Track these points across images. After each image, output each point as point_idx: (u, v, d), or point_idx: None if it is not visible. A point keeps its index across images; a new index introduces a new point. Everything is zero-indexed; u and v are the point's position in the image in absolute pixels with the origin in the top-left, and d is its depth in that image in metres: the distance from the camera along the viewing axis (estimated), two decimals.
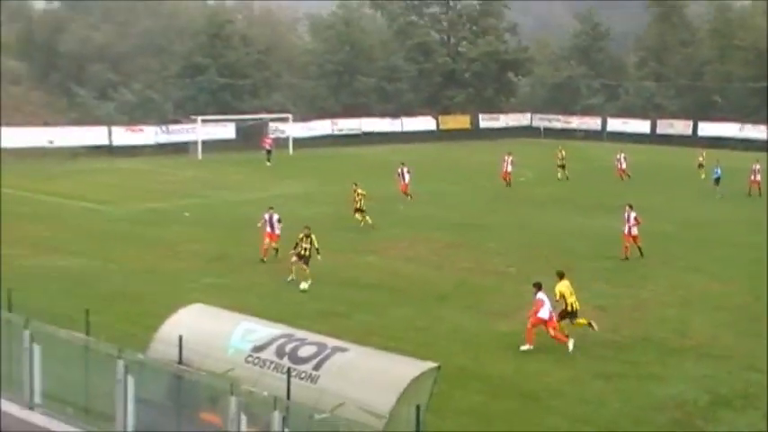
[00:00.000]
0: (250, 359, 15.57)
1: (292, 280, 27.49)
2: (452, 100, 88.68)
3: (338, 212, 41.49)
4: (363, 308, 25.16)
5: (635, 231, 32.20)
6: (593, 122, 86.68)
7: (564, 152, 55.13)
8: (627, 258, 31.88)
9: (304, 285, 26.82)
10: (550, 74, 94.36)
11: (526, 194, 47.97)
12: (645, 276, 29.54)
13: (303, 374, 14.77)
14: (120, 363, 14.52)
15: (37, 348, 15.94)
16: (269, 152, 64.08)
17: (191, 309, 17.92)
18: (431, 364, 15.26)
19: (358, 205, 38.07)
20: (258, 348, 15.69)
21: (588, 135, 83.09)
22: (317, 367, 14.90)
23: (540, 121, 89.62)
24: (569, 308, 22.31)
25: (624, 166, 55.07)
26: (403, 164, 45.40)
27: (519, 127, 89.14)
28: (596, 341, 22.26)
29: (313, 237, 27.84)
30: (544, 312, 21.65)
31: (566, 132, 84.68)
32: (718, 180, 49.04)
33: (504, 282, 28.77)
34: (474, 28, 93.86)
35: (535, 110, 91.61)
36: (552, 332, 21.66)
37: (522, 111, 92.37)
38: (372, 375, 14.76)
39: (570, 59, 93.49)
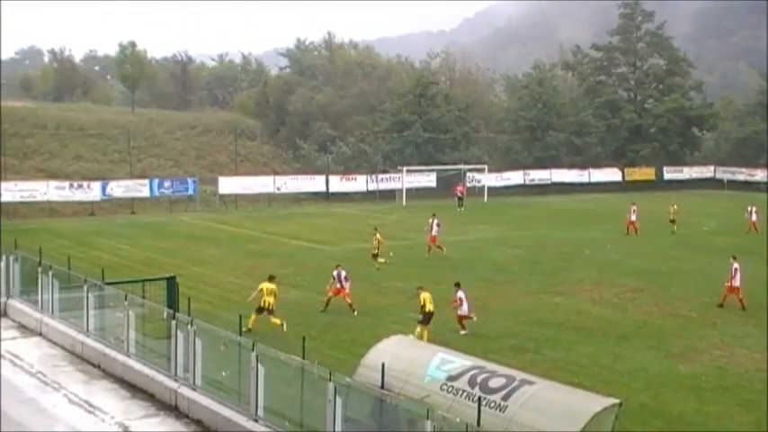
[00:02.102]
0: (444, 387, 15.62)
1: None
2: (638, 153, 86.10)
3: (529, 256, 41.09)
4: (550, 345, 24.68)
5: (736, 283, 29.60)
6: None
7: (676, 207, 50.87)
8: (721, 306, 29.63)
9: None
10: (735, 129, 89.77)
11: (708, 243, 45.70)
12: None
13: (493, 404, 14.67)
14: (331, 385, 14.85)
15: (261, 369, 16.57)
16: (460, 199, 64.61)
17: (393, 339, 18.22)
18: (613, 401, 14.81)
19: (376, 251, 37.07)
20: (452, 378, 15.72)
21: None
22: (505, 398, 14.76)
23: (724, 173, 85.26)
24: (427, 312, 24.55)
25: (755, 218, 50.11)
26: (434, 215, 42.06)
27: (702, 179, 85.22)
28: None
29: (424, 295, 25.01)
30: (464, 310, 25.65)
31: (749, 185, 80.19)
32: None
33: (686, 325, 27.48)
34: (660, 86, 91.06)
35: (719, 163, 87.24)
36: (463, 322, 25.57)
37: (705, 164, 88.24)
38: (557, 408, 14.48)
39: (755, 115, 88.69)
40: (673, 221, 49.51)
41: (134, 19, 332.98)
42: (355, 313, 28.17)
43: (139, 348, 21.22)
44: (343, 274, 28.82)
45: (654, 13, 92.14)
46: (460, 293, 25.75)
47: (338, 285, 28.68)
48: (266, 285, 25.96)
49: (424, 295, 24.83)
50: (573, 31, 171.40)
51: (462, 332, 25.47)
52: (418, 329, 24.06)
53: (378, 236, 37.54)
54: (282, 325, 25.03)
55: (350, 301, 28.55)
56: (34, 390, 20.32)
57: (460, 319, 25.86)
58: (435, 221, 41.36)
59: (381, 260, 36.99)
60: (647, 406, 19.29)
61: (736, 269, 29.79)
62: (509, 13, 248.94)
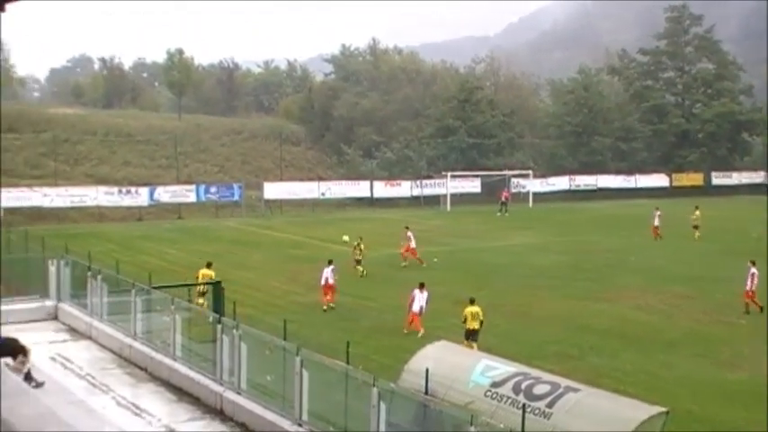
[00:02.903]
0: (488, 393, 15.57)
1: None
2: (686, 158, 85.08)
3: (573, 262, 40.75)
4: (595, 351, 24.47)
5: (752, 287, 29.76)
6: None
7: (699, 212, 49.57)
8: (747, 313, 29.47)
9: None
10: None
11: (757, 250, 44.82)
12: None
13: (537, 411, 14.60)
14: (375, 390, 14.85)
15: (305, 373, 16.64)
16: (503, 204, 64.36)
17: (437, 345, 18.22)
18: (659, 409, 14.64)
19: (358, 257, 36.80)
20: (496, 384, 15.67)
21: None
22: (550, 405, 14.68)
23: None
24: (468, 327, 23.73)
25: None
26: (407, 228, 40.58)
27: (752, 184, 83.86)
28: None
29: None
30: (416, 306, 26.24)
31: None
32: None
33: (735, 333, 27.05)
34: (708, 90, 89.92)
35: None
36: (413, 323, 26.21)
37: (755, 169, 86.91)
38: (603, 416, 14.36)
39: None
40: (696, 227, 48.86)
41: (182, 26, 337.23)
42: (324, 308, 29.72)
43: (185, 352, 21.44)
44: (331, 271, 30.52)
45: (702, 16, 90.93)
46: (416, 291, 26.50)
47: (329, 281, 30.23)
48: (203, 271, 28.75)
49: (469, 310, 24.11)
50: (619, 34, 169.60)
51: (406, 331, 26.33)
52: (465, 343, 23.43)
53: (361, 245, 37.12)
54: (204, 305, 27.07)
55: (330, 300, 30.12)
56: (84, 392, 20.62)
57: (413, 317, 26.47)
58: (409, 233, 39.90)
59: (360, 269, 36.68)
60: (694, 414, 19.02)
61: (753, 274, 29.80)
62: (554, 17, 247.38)
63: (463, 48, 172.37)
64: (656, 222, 48.75)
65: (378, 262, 40.48)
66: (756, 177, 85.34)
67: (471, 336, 23.88)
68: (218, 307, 23.57)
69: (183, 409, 19.38)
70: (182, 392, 20.38)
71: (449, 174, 70.10)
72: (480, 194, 70.96)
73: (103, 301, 25.61)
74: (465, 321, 24.10)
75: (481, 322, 24.13)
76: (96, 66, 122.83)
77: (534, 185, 73.52)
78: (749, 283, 29.83)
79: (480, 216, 61.42)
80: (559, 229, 54.39)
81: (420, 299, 26.55)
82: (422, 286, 26.78)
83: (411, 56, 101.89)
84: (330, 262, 31.01)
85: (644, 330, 27.07)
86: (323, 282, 30.37)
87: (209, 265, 29.11)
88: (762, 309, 29.51)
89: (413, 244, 39.63)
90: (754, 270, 29.91)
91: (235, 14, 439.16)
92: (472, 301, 24.47)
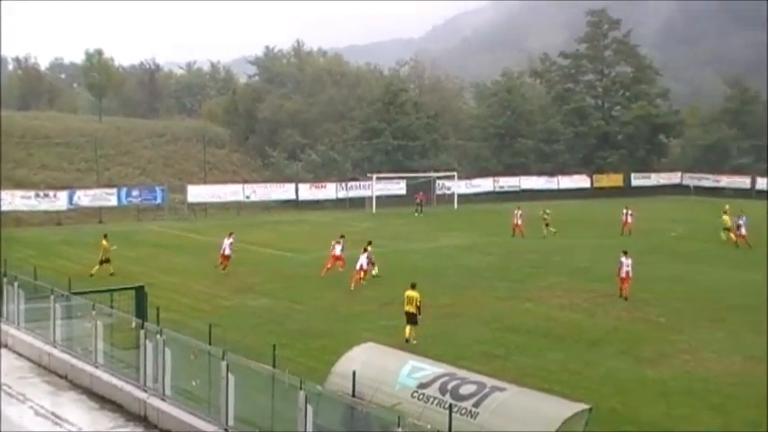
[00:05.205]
0: (415, 395, 15.64)
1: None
2: (606, 160, 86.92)
3: (499, 263, 41.24)
4: (520, 351, 24.80)
5: (623, 275, 32.52)
6: (741, 181, 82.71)
7: (549, 210, 52.22)
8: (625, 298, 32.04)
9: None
10: (701, 135, 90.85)
11: (677, 248, 46.21)
12: None
13: (464, 410, 14.72)
14: (302, 393, 14.80)
15: (232, 378, 16.47)
16: (419, 205, 65.38)
17: (364, 347, 18.21)
18: (583, 406, 14.91)
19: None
20: (423, 385, 15.75)
21: (737, 193, 79.02)
22: (476, 404, 14.81)
23: (691, 179, 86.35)
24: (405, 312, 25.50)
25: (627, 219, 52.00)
26: (343, 236, 38.83)
27: (670, 185, 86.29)
28: (752, 392, 21.00)
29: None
30: (358, 264, 33.99)
31: (715, 191, 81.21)
32: None
33: (655, 330, 27.71)
34: (627, 94, 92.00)
35: (686, 169, 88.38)
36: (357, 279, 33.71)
37: (672, 170, 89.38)
38: (528, 414, 14.55)
39: (721, 122, 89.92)
40: (547, 225, 51.00)
41: (101, 26, 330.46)
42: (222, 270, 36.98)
43: (108, 359, 21.02)
44: (229, 241, 37.63)
45: (620, 20, 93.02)
46: (362, 256, 34.13)
47: (226, 252, 37.34)
48: (103, 243, 36.75)
49: (407, 294, 25.46)
50: (543, 38, 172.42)
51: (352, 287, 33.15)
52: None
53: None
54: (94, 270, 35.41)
55: (225, 267, 37.13)
56: None
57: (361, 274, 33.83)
58: (335, 242, 38.42)
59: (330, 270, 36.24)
60: (617, 411, 19.42)
61: (621, 263, 32.58)
62: (478, 20, 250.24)
63: (388, 50, 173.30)
64: (518, 221, 50.83)
65: (305, 264, 40.37)
66: (673, 178, 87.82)
67: (409, 319, 25.11)
68: (141, 312, 23.14)
69: (106, 417, 19.00)
70: (104, 400, 19.98)
71: (374, 176, 70.24)
72: (406, 196, 71.24)
73: (20, 308, 24.93)
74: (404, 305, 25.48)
75: (418, 307, 25.17)
76: (11, 66, 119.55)
77: (459, 187, 74.25)
78: (620, 270, 32.57)
79: (406, 218, 61.73)
80: (485, 230, 54.96)
81: (361, 258, 34.07)
82: (365, 250, 34.81)
83: (336, 58, 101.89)
84: (231, 234, 38.15)
85: (568, 329, 27.54)
86: (222, 251, 37.42)
87: (105, 237, 37.35)
88: (623, 296, 32.23)
89: (337, 251, 37.98)
90: (622, 259, 32.80)
91: (156, 14, 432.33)
92: (413, 286, 25.64)
